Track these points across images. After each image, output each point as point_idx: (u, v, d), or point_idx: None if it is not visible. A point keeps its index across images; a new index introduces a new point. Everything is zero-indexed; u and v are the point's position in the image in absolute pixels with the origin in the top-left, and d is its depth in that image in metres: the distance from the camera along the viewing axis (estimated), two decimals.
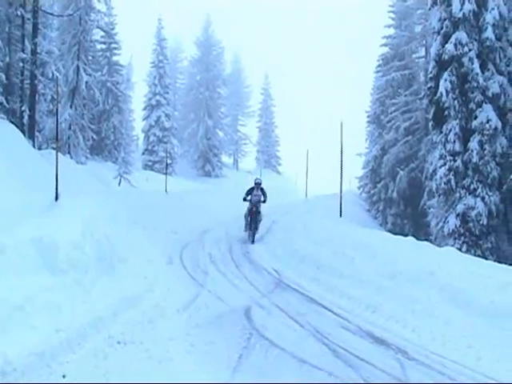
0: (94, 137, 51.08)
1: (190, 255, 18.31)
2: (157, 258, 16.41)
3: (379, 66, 49.46)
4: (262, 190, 22.99)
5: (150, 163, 66.11)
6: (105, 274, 12.01)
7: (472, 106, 25.69)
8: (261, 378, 8.17)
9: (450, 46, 25.86)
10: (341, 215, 22.89)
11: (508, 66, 26.02)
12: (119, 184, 46.47)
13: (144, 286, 12.62)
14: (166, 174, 43.64)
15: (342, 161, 22.54)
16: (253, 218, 22.21)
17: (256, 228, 22.20)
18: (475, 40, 25.87)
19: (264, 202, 22.90)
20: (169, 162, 54.17)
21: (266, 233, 22.72)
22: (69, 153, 44.44)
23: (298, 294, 13.77)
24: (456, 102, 25.94)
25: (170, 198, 36.34)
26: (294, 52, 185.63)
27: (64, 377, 7.49)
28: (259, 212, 22.47)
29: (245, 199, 22.95)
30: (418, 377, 8.40)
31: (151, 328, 9.99)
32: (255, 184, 23.08)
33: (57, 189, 16.26)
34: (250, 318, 11.26)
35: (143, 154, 67.49)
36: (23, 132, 28.61)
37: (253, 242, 21.58)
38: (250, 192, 22.98)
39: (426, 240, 20.45)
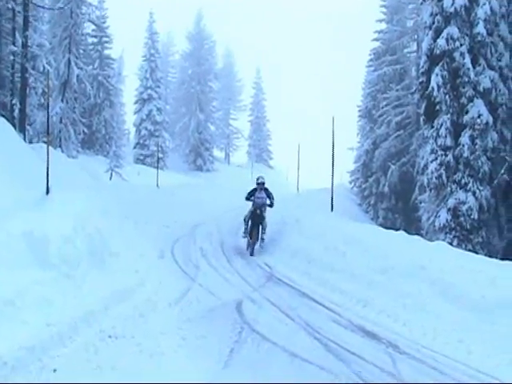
0: (85, 130, 51.08)
1: (182, 249, 18.28)
2: (148, 252, 16.37)
3: (371, 60, 49.62)
4: (266, 190, 19.44)
5: (141, 157, 66.08)
6: (96, 268, 11.99)
7: (463, 100, 25.73)
8: (252, 371, 8.17)
9: (441, 41, 25.88)
10: (332, 209, 22.80)
11: (499, 60, 26.06)
12: (110, 178, 46.43)
13: (135, 280, 12.60)
14: (157, 168, 43.59)
15: (333, 155, 22.40)
16: (255, 224, 18.96)
17: (258, 238, 18.89)
18: (466, 35, 25.91)
19: (270, 206, 19.43)
20: (160, 156, 54.26)
21: None
22: (60, 146, 44.43)
23: (290, 288, 13.79)
24: (447, 96, 25.99)
25: (161, 192, 36.24)
26: (287, 47, 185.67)
27: (55, 371, 7.47)
28: (264, 217, 19.12)
29: (248, 199, 19.52)
30: (409, 371, 8.42)
31: (142, 322, 9.98)
32: (257, 184, 19.50)
33: (48, 183, 16.18)
34: (241, 312, 11.27)
35: (134, 147, 67.47)
36: (14, 126, 28.53)
37: (252, 253, 18.33)
38: (252, 193, 19.44)
39: (417, 234, 20.50)
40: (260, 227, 19.03)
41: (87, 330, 9.05)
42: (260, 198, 19.32)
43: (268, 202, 19.38)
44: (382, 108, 45.04)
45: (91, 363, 7.89)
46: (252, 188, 19.69)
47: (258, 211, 19.08)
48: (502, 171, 25.12)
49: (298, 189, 38.59)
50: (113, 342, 8.86)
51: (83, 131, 50.27)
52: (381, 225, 34.30)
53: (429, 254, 13.52)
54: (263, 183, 19.46)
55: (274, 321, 10.81)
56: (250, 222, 19.07)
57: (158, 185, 39.13)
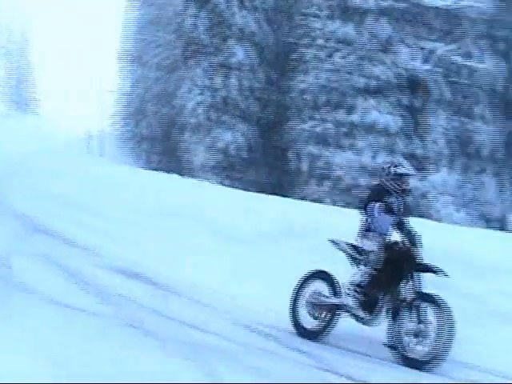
0: None
1: None
2: None
3: (129, 2, 48.75)
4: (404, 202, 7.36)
5: None
6: None
7: (229, 42, 25.96)
8: (20, 324, 7.70)
9: None
10: (96, 154, 22.30)
11: (264, 3, 26.46)
12: None
13: None
14: None
15: (96, 99, 21.85)
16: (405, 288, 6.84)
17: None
18: None
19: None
20: None
21: (19, 174, 21.49)
22: None
23: (55, 236, 13.17)
24: (209, 38, 26.04)
25: None
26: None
27: None
28: (436, 271, 6.75)
29: (367, 212, 7.21)
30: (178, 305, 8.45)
31: None
32: (394, 178, 7.17)
33: None
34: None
35: None
36: None
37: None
38: (377, 203, 7.03)
39: (183, 175, 20.57)
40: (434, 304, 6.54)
41: None
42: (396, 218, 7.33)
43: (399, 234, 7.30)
44: (143, 50, 44.57)
45: None
46: (376, 185, 7.55)
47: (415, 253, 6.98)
48: (268, 111, 25.85)
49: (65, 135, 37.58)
50: None
51: None
52: (146, 167, 34.09)
53: (192, 192, 13.65)
54: (408, 175, 7.27)
55: (41, 270, 10.25)
56: (379, 287, 7.04)
57: None
